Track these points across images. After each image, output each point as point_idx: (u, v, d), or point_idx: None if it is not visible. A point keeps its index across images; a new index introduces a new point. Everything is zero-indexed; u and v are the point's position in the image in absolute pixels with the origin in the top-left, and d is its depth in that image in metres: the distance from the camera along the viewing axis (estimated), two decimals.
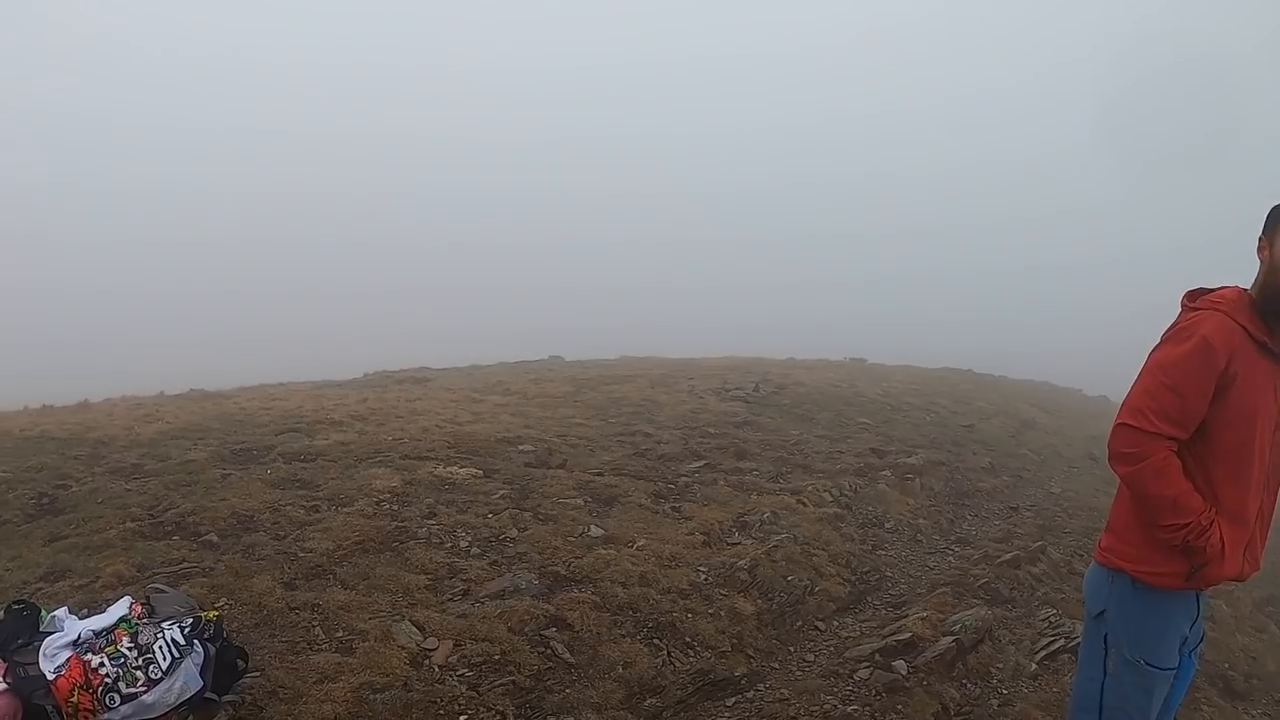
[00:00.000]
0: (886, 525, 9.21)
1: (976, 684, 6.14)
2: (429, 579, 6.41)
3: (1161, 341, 3.57)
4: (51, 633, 4.57)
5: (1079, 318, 61.98)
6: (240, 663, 4.89)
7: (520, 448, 10.21)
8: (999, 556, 8.39)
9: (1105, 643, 3.81)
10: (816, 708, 5.52)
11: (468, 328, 48.07)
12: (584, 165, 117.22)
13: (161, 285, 65.03)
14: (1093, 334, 52.46)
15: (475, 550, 7.05)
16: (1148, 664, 3.66)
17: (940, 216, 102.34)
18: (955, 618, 6.72)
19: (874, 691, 5.71)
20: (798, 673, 6.07)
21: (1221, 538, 3.46)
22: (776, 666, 6.15)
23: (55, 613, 4.79)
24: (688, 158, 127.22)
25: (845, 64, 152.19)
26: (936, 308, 66.28)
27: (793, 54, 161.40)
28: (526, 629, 5.77)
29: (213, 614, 4.87)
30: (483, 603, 6.09)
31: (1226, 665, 7.85)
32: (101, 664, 4.33)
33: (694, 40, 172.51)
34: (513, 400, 14.26)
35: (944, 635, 6.42)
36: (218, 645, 4.69)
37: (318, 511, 7.61)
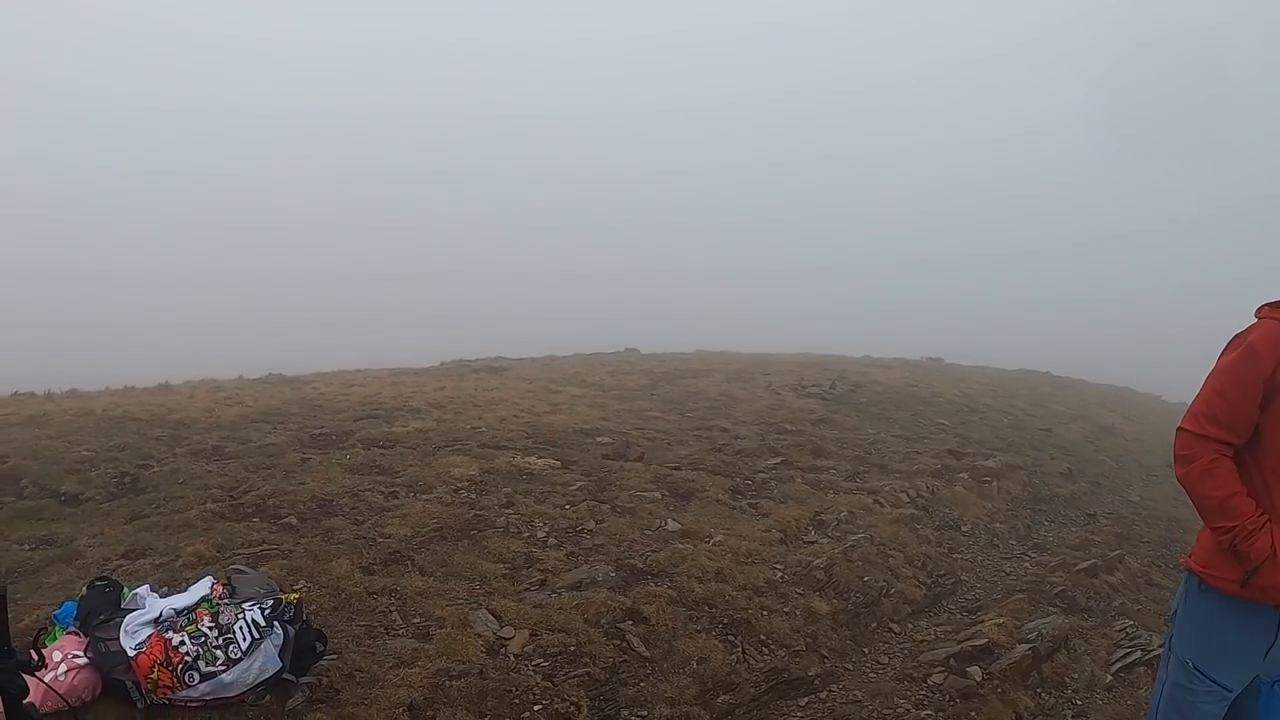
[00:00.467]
0: (963, 528, 9.16)
1: (1051, 693, 6.09)
2: (506, 568, 6.48)
3: (1224, 349, 3.63)
4: (133, 610, 4.69)
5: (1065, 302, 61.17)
6: (319, 645, 4.96)
7: (598, 439, 10.29)
8: (1076, 564, 8.31)
9: (1170, 644, 3.85)
10: (889, 711, 5.51)
11: (539, 314, 48.20)
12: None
13: (238, 268, 65.90)
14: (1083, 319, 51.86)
15: (552, 541, 7.12)
16: (1197, 668, 3.65)
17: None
18: (1031, 625, 6.67)
19: (948, 697, 5.70)
20: (871, 674, 6.06)
21: (1274, 544, 3.43)
22: (850, 667, 6.15)
23: (137, 590, 4.92)
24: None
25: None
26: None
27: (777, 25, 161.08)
28: (602, 621, 5.82)
29: (293, 596, 4.94)
30: (559, 593, 6.15)
31: None
32: (182, 642, 4.42)
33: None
34: (589, 392, 14.35)
35: (1020, 642, 6.38)
36: (297, 627, 4.77)
37: (396, 498, 7.72)
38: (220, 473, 8.20)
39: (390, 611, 5.68)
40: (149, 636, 4.46)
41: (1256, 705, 3.62)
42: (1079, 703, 6.07)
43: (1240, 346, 3.51)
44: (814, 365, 19.82)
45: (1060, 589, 7.66)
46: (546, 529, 7.32)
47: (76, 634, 4.55)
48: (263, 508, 7.32)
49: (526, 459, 9.08)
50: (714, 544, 7.29)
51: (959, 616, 7.14)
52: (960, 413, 15.49)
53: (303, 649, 4.80)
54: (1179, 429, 3.64)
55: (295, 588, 5.72)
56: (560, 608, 5.90)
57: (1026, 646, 6.31)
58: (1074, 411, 18.29)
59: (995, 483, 10.71)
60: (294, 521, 7.06)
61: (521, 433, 10.27)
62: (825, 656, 6.16)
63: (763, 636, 6.11)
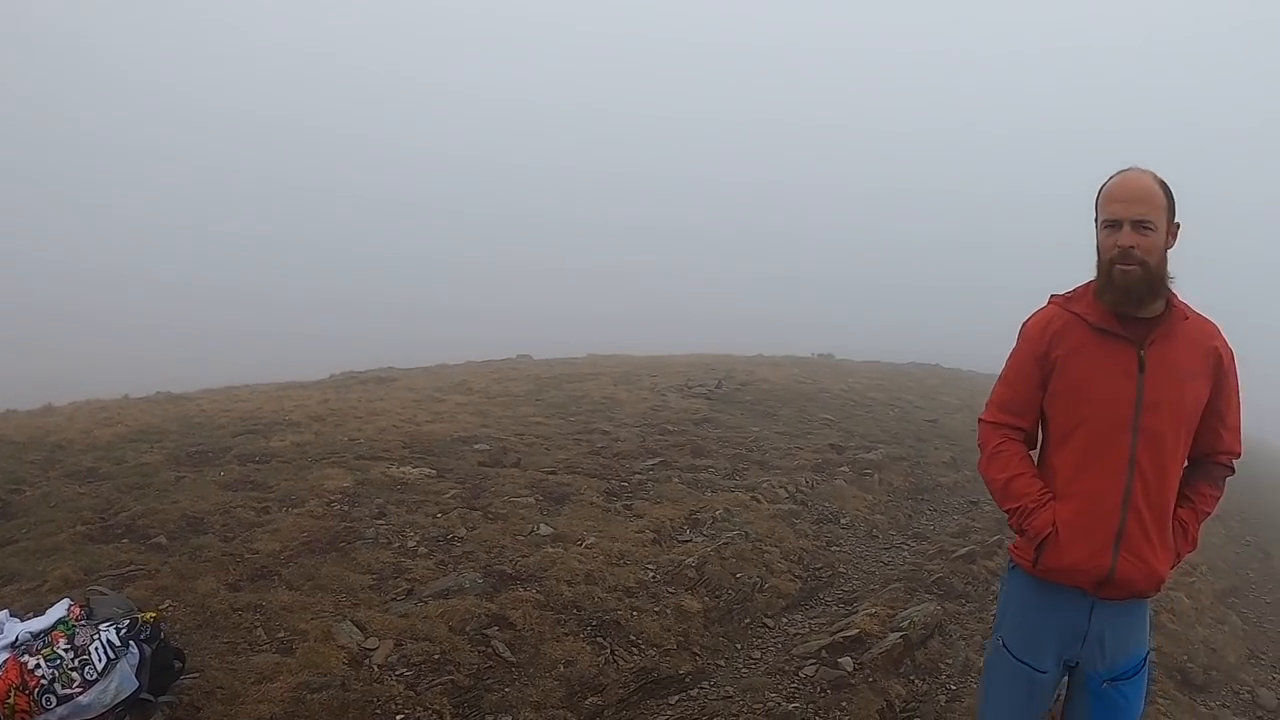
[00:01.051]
0: (842, 521, 9.22)
1: (924, 680, 6.15)
2: (374, 579, 6.39)
3: None
4: None
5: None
6: (177, 663, 4.86)
7: (475, 447, 10.18)
8: (954, 551, 8.41)
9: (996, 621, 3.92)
10: (760, 705, 5.51)
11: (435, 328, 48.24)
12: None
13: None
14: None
15: (422, 550, 7.02)
16: (1006, 646, 3.67)
17: None
18: (905, 614, 6.73)
19: (819, 688, 5.71)
20: (743, 670, 6.07)
21: (1055, 524, 3.45)
22: (722, 664, 6.14)
23: None
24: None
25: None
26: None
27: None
28: (468, 628, 5.76)
29: (150, 615, 4.85)
30: (425, 602, 6.07)
31: (1185, 658, 7.89)
32: (38, 665, 4.32)
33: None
34: (474, 400, 14.20)
35: (892, 631, 6.43)
36: (154, 646, 4.67)
37: (268, 513, 7.57)
38: (93, 494, 7.96)
39: (254, 627, 5.58)
40: (4, 661, 4.34)
41: (1090, 704, 3.57)
42: (953, 687, 6.14)
43: (1019, 333, 3.64)
44: (702, 365, 19.87)
45: (937, 576, 7.75)
46: (417, 538, 7.21)
47: None
48: (133, 528, 7.12)
49: (402, 469, 8.95)
50: (586, 547, 7.24)
51: (834, 609, 7.17)
52: (846, 407, 15.66)
53: (160, 668, 4.70)
54: (978, 421, 3.79)
55: (160, 607, 5.59)
56: (425, 616, 5.83)
57: (899, 635, 6.37)
58: (961, 402, 18.60)
59: (876, 475, 10.81)
60: (163, 541, 6.87)
61: (399, 443, 10.13)
62: (697, 654, 6.15)
63: (632, 637, 6.08)
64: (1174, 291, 3.44)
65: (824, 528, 8.92)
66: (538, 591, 6.35)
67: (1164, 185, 3.35)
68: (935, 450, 13.06)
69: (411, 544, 7.11)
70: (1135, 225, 3.26)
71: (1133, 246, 3.25)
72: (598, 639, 5.95)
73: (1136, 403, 3.36)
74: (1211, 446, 3.57)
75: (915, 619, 6.61)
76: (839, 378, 19.74)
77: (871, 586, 7.65)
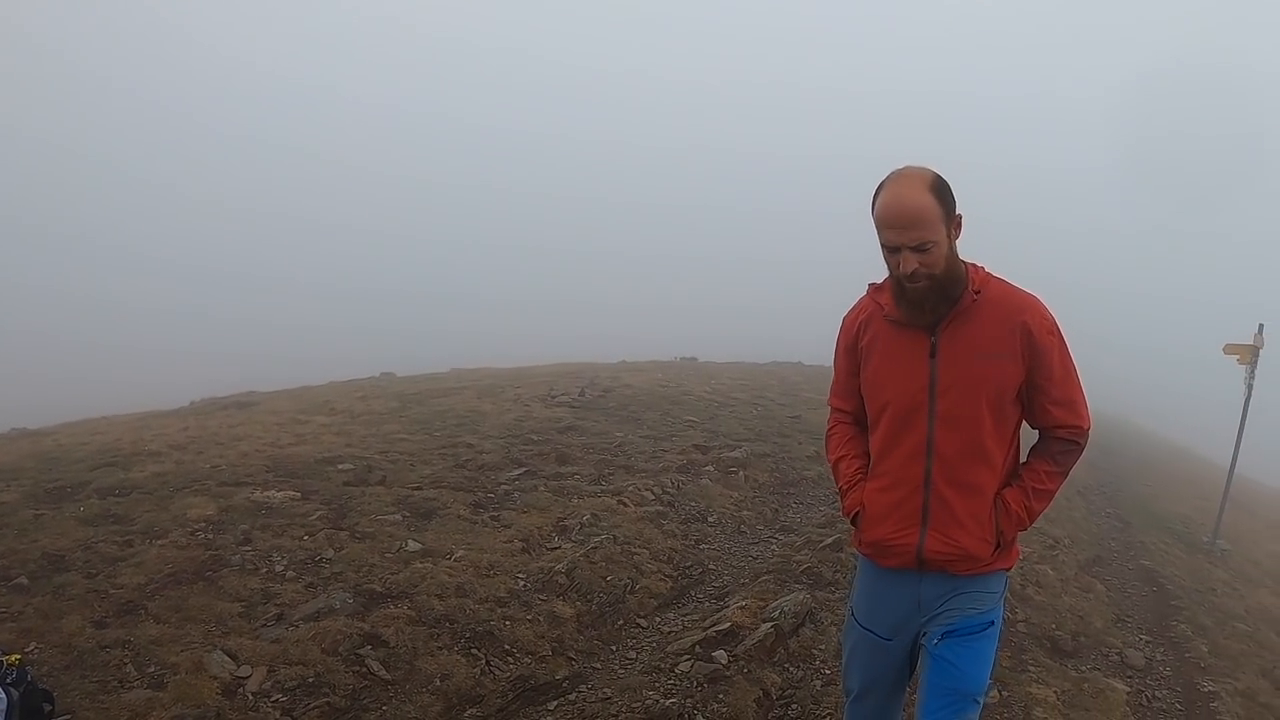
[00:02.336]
0: (710, 519, 9.35)
1: (799, 667, 6.28)
2: (243, 606, 6.31)
3: None
4: None
5: None
6: (47, 706, 4.71)
7: (340, 466, 10.06)
8: (821, 541, 8.60)
9: None
10: (638, 704, 5.57)
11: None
12: None
13: None
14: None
15: (290, 574, 6.94)
16: (853, 612, 3.81)
17: None
18: (776, 604, 6.87)
19: (695, 683, 5.80)
20: (620, 671, 6.13)
21: (864, 503, 3.62)
22: (599, 667, 6.20)
23: None
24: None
25: None
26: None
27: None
28: (341, 649, 5.72)
29: (14, 658, 4.70)
30: (297, 626, 6.01)
31: (1054, 626, 8.20)
32: None
33: None
34: (338, 420, 14.01)
35: (764, 622, 6.57)
36: (21, 690, 4.53)
37: (131, 546, 7.37)
38: None
39: (124, 664, 5.46)
40: None
41: (927, 665, 3.59)
42: (827, 672, 6.26)
43: (840, 323, 3.80)
44: (566, 374, 19.91)
45: (806, 566, 7.92)
46: (285, 562, 7.12)
47: None
48: None
49: (266, 493, 8.80)
50: (455, 560, 7.24)
51: (706, 604, 7.28)
52: (710, 408, 15.85)
53: (30, 712, 4.54)
54: None
55: (24, 650, 5.42)
56: (297, 640, 5.78)
57: (770, 625, 6.51)
58: (823, 398, 18.83)
59: (742, 472, 11.00)
60: (25, 581, 6.64)
61: (263, 467, 9.95)
62: (572, 659, 6.20)
63: (507, 646, 6.11)
64: (979, 267, 3.51)
65: (692, 527, 9.04)
66: (409, 608, 6.34)
67: (936, 188, 3.28)
68: (799, 445, 13.31)
69: (279, 568, 7.02)
70: (914, 249, 3.24)
71: (916, 268, 3.26)
72: (472, 651, 5.96)
73: (930, 388, 3.44)
74: (1044, 422, 3.56)
75: (786, 608, 6.75)
76: (703, 380, 19.96)
77: (742, 580, 7.78)
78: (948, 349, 3.43)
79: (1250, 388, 14.73)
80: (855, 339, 3.64)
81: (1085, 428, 3.58)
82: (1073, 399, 3.52)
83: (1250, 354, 14.59)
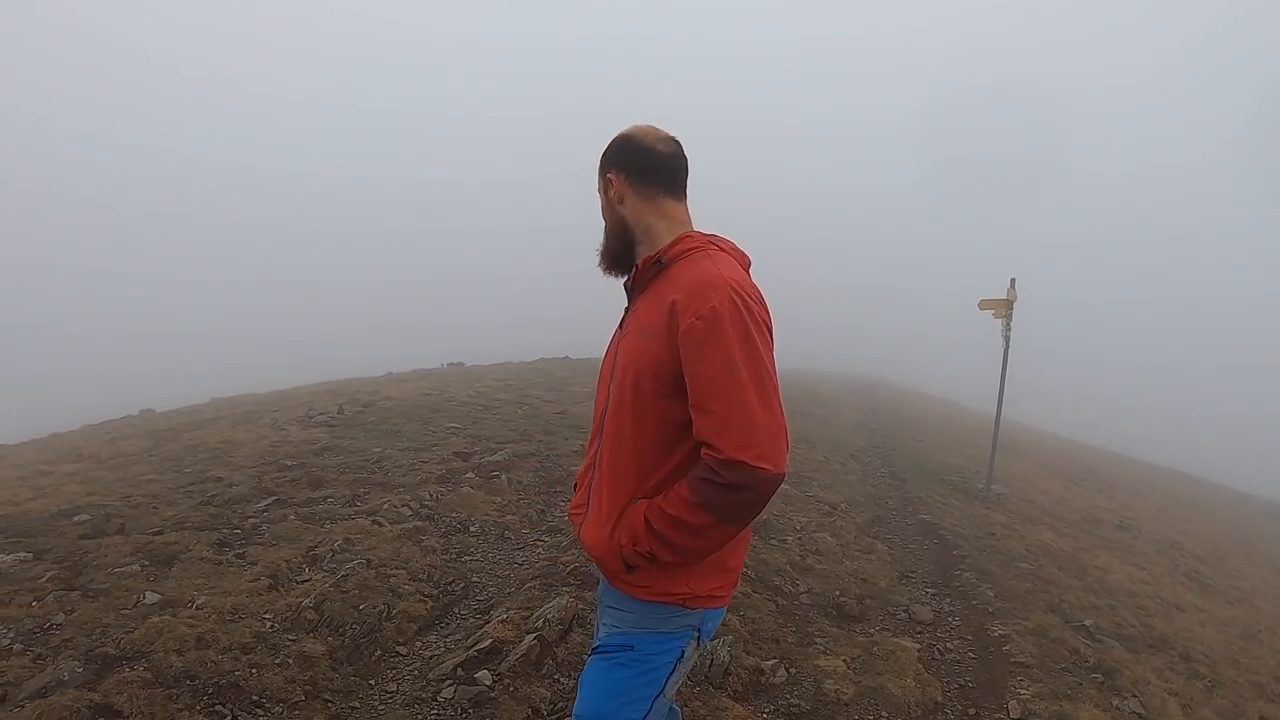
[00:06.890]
0: (472, 529, 9.27)
1: (569, 676, 6.25)
2: None
3: None
4: None
5: None
6: None
7: (76, 519, 9.56)
8: None
9: None
10: None
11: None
12: None
13: None
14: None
15: (17, 647, 6.51)
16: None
17: None
18: (539, 613, 6.84)
19: (459, 710, 5.73)
20: (380, 707, 5.99)
21: (577, 483, 3.55)
22: (357, 705, 6.04)
23: None
24: None
25: None
26: None
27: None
28: None
29: None
30: (21, 707, 5.63)
31: (838, 593, 8.45)
32: None
33: None
34: (84, 466, 13.36)
35: (527, 634, 6.52)
36: None
37: None
38: None
39: None
40: None
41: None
42: None
43: None
44: (326, 393, 19.62)
45: (573, 567, 7.95)
46: (10, 635, 6.69)
47: None
48: None
49: None
50: (196, 608, 6.95)
51: (469, 621, 7.20)
52: (473, 413, 15.81)
53: None
54: None
55: None
56: None
57: (534, 636, 6.46)
58: (590, 390, 19.08)
59: (504, 475, 10.95)
60: None
61: None
62: (329, 701, 6.02)
63: (255, 697, 5.89)
64: (701, 239, 3.20)
65: (453, 539, 8.95)
66: (145, 668, 6.04)
67: (614, 139, 3.31)
68: (565, 441, 13.37)
69: (5, 642, 6.57)
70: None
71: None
72: (216, 708, 5.71)
73: (613, 364, 3.27)
74: (695, 434, 2.93)
75: (549, 616, 6.72)
76: (467, 384, 19.90)
77: (507, 590, 7.73)
78: (629, 323, 3.25)
79: (1008, 340, 15.63)
80: None
81: (732, 459, 2.78)
82: (719, 412, 2.83)
83: (1005, 307, 15.50)
